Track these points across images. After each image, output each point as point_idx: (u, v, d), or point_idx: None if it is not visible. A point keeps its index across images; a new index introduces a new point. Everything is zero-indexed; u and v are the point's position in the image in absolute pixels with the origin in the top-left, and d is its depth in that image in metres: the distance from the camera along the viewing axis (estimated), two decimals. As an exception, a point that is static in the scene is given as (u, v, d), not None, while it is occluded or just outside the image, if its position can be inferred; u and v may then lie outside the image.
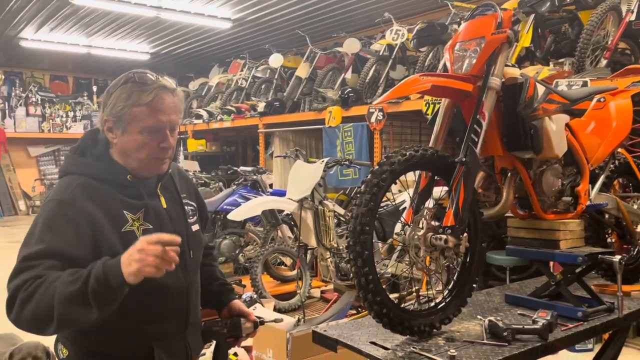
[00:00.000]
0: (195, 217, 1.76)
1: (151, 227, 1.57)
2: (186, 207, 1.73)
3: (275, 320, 1.98)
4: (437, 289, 2.38)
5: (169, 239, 1.34)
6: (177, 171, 1.80)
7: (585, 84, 4.07)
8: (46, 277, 1.35)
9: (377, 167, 1.81)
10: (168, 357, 1.59)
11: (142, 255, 1.31)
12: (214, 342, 1.82)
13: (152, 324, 1.58)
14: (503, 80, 2.03)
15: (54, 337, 1.62)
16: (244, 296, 4.40)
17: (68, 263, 1.39)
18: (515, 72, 2.10)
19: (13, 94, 13.68)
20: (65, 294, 1.31)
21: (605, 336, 2.71)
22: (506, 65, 2.07)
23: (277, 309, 4.57)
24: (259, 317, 1.85)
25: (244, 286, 5.04)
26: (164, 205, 1.65)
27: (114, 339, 1.54)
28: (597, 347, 3.90)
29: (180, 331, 1.65)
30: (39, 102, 13.85)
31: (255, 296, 4.45)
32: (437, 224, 1.88)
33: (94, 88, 15.01)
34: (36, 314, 1.33)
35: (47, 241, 1.41)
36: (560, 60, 4.91)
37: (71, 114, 14.21)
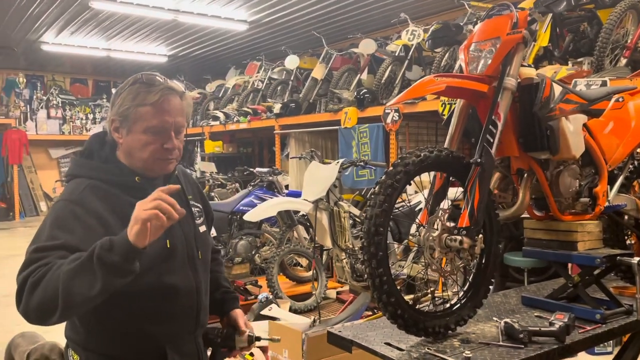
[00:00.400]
0: (202, 219, 1.76)
1: None
2: (193, 209, 1.72)
3: (272, 339, 1.91)
4: (453, 290, 2.37)
5: (166, 189, 1.33)
6: (182, 173, 1.79)
7: (604, 84, 4.01)
8: (55, 263, 1.33)
9: (391, 168, 1.81)
10: (180, 358, 1.59)
11: (139, 213, 1.28)
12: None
13: (162, 325, 1.56)
14: (519, 80, 2.02)
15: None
16: (259, 297, 4.42)
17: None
18: (531, 72, 2.09)
19: (35, 97, 13.94)
20: (70, 268, 1.29)
21: (625, 339, 2.67)
22: (522, 66, 2.06)
23: (292, 310, 4.58)
24: (253, 335, 1.77)
25: (260, 287, 5.06)
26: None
27: (125, 342, 1.53)
28: (617, 350, 3.85)
29: (191, 332, 1.64)
30: (60, 104, 14.09)
31: (271, 297, 4.47)
32: (452, 225, 1.88)
33: (113, 90, 15.15)
34: (43, 298, 1.30)
35: (57, 237, 1.40)
36: (579, 60, 4.85)
37: (91, 116, 14.44)
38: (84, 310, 1.38)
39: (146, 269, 1.43)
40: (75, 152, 1.89)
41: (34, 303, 1.31)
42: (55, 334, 4.60)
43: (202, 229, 1.75)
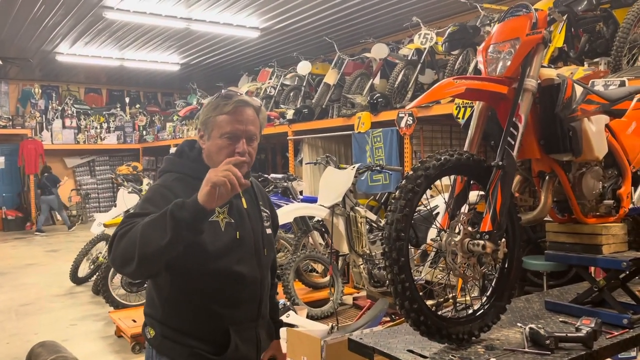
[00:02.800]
0: (269, 223, 1.97)
1: (233, 221, 1.77)
2: (262, 213, 1.94)
3: None
4: (473, 295, 2.34)
5: (233, 160, 1.58)
6: (254, 182, 2.02)
7: (622, 84, 3.95)
8: (139, 222, 1.54)
9: (411, 172, 1.78)
10: (242, 343, 1.76)
11: (210, 177, 1.48)
12: None
13: (229, 308, 1.76)
14: (539, 81, 1.99)
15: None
16: (276, 303, 4.40)
17: None
18: (551, 72, 2.06)
19: (50, 107, 14.14)
20: (146, 221, 1.51)
21: (652, 344, 2.61)
22: (542, 66, 2.03)
23: (310, 316, 4.56)
24: None
25: (277, 293, 5.04)
26: (245, 206, 1.85)
27: (196, 319, 1.73)
28: (642, 355, 3.76)
29: (253, 320, 1.83)
30: (74, 114, 14.28)
31: (288, 303, 4.45)
32: (474, 229, 1.85)
33: (127, 99, 15.38)
34: (126, 246, 1.51)
35: (146, 208, 1.64)
36: (595, 60, 4.78)
37: (105, 125, 14.61)
38: (157, 264, 1.53)
39: (219, 256, 1.70)
40: (170, 154, 2.04)
41: (119, 251, 1.53)
42: (75, 343, 4.64)
43: (269, 231, 1.96)
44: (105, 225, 5.83)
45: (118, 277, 5.56)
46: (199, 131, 1.85)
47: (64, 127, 14.05)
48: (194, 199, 1.48)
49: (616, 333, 1.92)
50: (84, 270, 6.91)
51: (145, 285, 6.00)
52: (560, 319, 2.11)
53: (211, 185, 1.46)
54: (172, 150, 9.32)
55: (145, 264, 1.50)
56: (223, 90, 1.90)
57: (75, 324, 5.38)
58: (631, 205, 2.28)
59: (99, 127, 14.50)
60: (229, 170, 1.49)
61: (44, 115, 13.94)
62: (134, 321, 4.70)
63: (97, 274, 6.07)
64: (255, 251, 1.84)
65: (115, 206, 7.07)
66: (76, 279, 6.92)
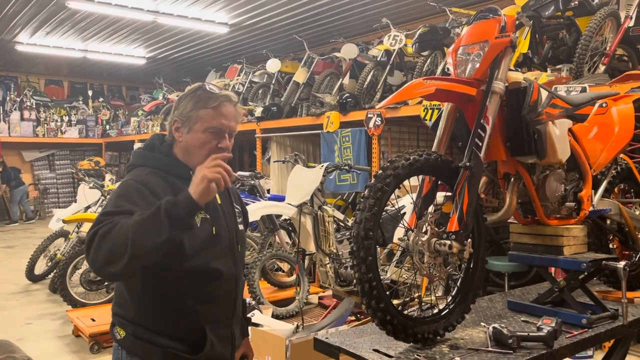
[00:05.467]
0: (241, 219, 1.95)
1: (208, 217, 1.73)
2: (234, 209, 1.92)
3: None
4: (437, 295, 2.36)
5: (220, 156, 1.57)
6: None
7: (584, 90, 4.07)
8: (120, 221, 1.50)
9: (380, 171, 1.78)
10: (217, 341, 1.74)
11: (205, 173, 1.49)
12: None
13: (205, 305, 1.73)
14: (506, 84, 2.02)
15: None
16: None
17: None
18: (518, 76, 2.09)
19: (8, 98, 13.62)
20: (137, 220, 1.47)
21: (606, 344, 2.69)
22: (509, 70, 2.06)
23: (275, 316, 4.53)
24: None
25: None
26: (219, 201, 1.82)
27: (171, 318, 1.69)
28: (597, 354, 3.89)
29: (228, 317, 1.81)
30: (34, 106, 13.79)
31: (253, 302, 4.40)
32: (440, 229, 1.86)
33: (90, 92, 14.96)
34: (113, 245, 1.45)
35: (122, 205, 1.58)
36: (558, 67, 4.91)
37: (66, 118, 14.15)
38: (148, 262, 1.51)
39: (196, 252, 1.66)
40: (139, 148, 1.93)
41: (102, 251, 1.47)
42: (30, 343, 4.47)
43: (241, 227, 1.95)
44: (65, 222, 5.64)
45: (77, 274, 5.39)
46: (174, 123, 1.78)
47: (22, 119, 13.54)
48: (187, 195, 1.48)
49: (576, 332, 1.97)
50: (41, 267, 6.68)
51: (106, 283, 5.84)
52: (522, 319, 2.15)
53: (207, 181, 1.48)
54: (137, 145, 9.10)
55: (136, 263, 1.48)
56: (204, 83, 1.83)
57: (30, 322, 5.20)
58: (591, 208, 2.34)
59: (59, 120, 14.03)
60: (220, 167, 1.51)
61: (1, 107, 13.41)
62: (93, 320, 4.57)
63: (55, 271, 5.87)
64: (230, 247, 1.82)
65: (75, 202, 6.86)
66: (32, 277, 6.68)
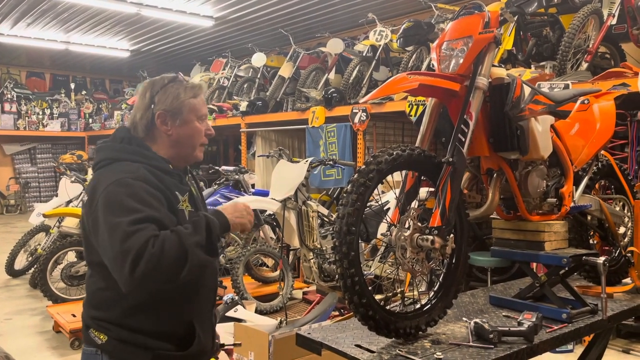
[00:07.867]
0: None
1: (192, 209, 1.74)
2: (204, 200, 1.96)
3: (235, 345, 2.20)
4: (420, 290, 2.36)
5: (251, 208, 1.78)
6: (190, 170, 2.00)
7: (567, 87, 4.10)
8: (162, 234, 1.52)
9: (363, 166, 1.78)
10: (203, 334, 1.73)
11: (245, 214, 1.72)
12: None
13: (191, 297, 1.73)
14: (490, 80, 2.02)
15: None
16: (225, 298, 4.33)
17: (162, 228, 1.55)
18: (501, 72, 2.09)
19: (-12, 90, 13.36)
20: (193, 240, 1.54)
21: (586, 338, 2.73)
22: (493, 66, 2.06)
23: (258, 311, 4.51)
24: (218, 342, 1.94)
25: (225, 287, 4.95)
26: (195, 193, 1.84)
27: (158, 317, 1.65)
28: (577, 348, 3.94)
29: (209, 310, 1.83)
30: (15, 98, 13.53)
31: (236, 298, 4.37)
32: (423, 224, 1.86)
33: (72, 85, 14.73)
34: (173, 262, 1.49)
35: (141, 210, 1.54)
36: (542, 64, 4.95)
37: (48, 111, 13.93)
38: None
39: None
40: (111, 139, 1.78)
41: (164, 266, 1.47)
42: (9, 338, 4.40)
43: None
44: (45, 216, 5.55)
45: (57, 270, 5.32)
46: (158, 117, 1.71)
47: (2, 111, 13.29)
48: (226, 222, 1.67)
49: (556, 327, 1.99)
50: (21, 262, 6.57)
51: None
52: (503, 314, 2.17)
53: (247, 221, 1.73)
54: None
55: (194, 271, 1.56)
56: (177, 73, 1.87)
57: (10, 318, 5.12)
58: (572, 204, 2.36)
59: (41, 113, 13.80)
60: (251, 215, 1.76)
61: (-19, 99, 13.17)
62: (74, 316, 4.51)
63: (35, 266, 5.78)
64: None
65: (56, 196, 6.76)
66: (12, 272, 6.57)
